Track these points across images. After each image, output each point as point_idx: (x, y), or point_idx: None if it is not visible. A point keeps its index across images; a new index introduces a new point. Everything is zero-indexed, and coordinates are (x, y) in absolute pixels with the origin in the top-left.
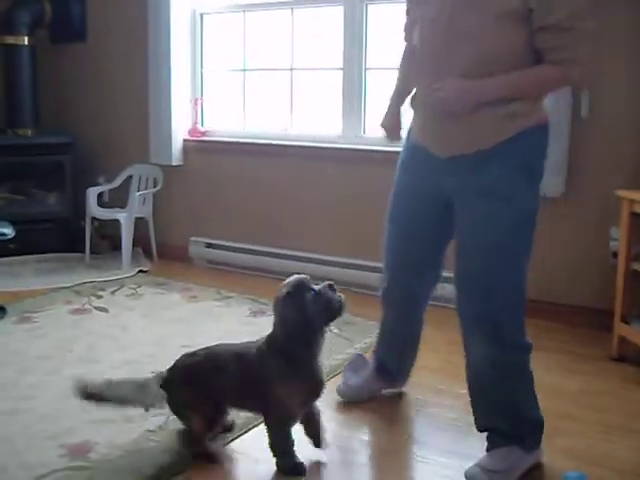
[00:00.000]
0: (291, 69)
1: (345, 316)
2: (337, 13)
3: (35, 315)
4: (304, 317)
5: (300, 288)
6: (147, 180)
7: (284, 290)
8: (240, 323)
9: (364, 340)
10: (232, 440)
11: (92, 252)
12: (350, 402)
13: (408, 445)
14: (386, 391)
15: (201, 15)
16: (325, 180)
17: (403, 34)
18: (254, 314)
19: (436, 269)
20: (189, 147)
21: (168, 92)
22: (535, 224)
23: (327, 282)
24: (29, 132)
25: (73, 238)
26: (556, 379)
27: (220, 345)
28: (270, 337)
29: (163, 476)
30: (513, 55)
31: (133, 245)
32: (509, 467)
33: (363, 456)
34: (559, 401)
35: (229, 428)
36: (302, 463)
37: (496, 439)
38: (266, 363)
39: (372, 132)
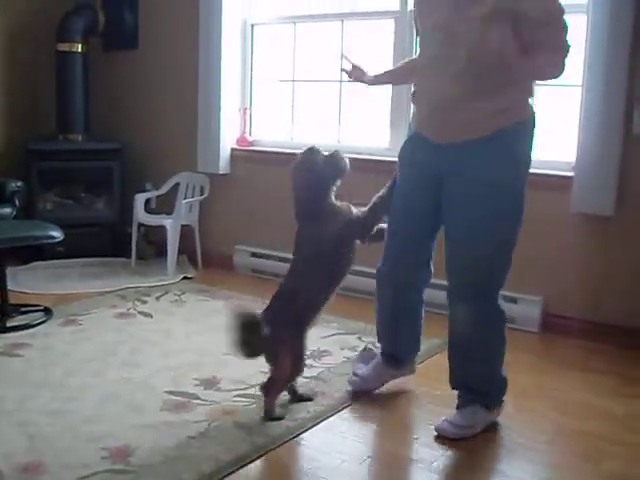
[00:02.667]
0: (340, 81)
1: None
2: (387, 26)
3: (80, 318)
4: (317, 174)
5: (313, 153)
6: (194, 188)
7: (300, 156)
8: None
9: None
10: (270, 451)
11: (138, 257)
12: (360, 391)
13: (446, 461)
14: (396, 378)
15: (252, 26)
16: (373, 192)
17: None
18: None
19: (430, 250)
20: (237, 156)
21: (217, 101)
22: (522, 206)
23: (334, 150)
24: (79, 138)
25: (120, 243)
26: (604, 402)
27: None
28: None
29: None
30: (499, 52)
31: (178, 252)
32: (473, 423)
33: (397, 469)
34: (607, 424)
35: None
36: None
37: (466, 397)
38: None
39: None
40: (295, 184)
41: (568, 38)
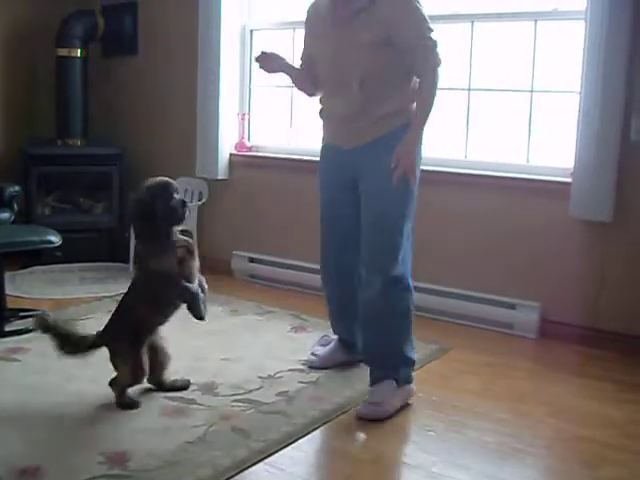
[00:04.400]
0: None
1: None
2: None
3: (78, 323)
4: (151, 214)
5: (161, 189)
6: (192, 193)
7: (146, 186)
8: (281, 338)
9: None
10: (268, 456)
11: (136, 263)
12: (316, 368)
13: (444, 467)
14: (350, 360)
15: (251, 31)
16: None
17: (300, 61)
18: (295, 330)
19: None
20: (235, 162)
21: (216, 106)
22: (413, 194)
23: (182, 199)
24: (79, 142)
25: (118, 248)
26: (604, 408)
27: None
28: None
29: None
30: (388, 69)
31: None
32: (383, 399)
33: (396, 474)
34: (606, 430)
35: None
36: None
37: (377, 373)
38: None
39: None
40: (130, 212)
41: (438, 52)
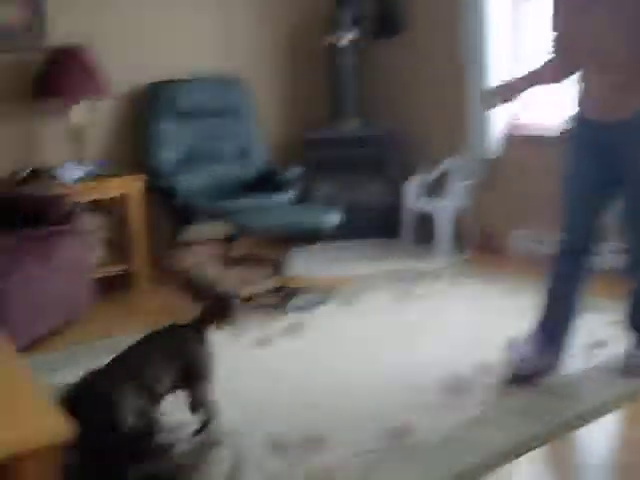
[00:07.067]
0: None
1: None
2: None
3: (356, 300)
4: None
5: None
6: (465, 172)
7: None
8: None
9: None
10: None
11: (411, 241)
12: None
13: None
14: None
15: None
16: None
17: (553, 47)
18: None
19: (599, 228)
20: (509, 139)
21: (486, 81)
22: None
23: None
24: (353, 125)
25: (394, 226)
26: None
27: None
28: None
29: (477, 474)
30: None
31: (451, 235)
32: None
33: None
34: None
35: None
36: None
37: None
38: None
39: None
40: None
41: None
